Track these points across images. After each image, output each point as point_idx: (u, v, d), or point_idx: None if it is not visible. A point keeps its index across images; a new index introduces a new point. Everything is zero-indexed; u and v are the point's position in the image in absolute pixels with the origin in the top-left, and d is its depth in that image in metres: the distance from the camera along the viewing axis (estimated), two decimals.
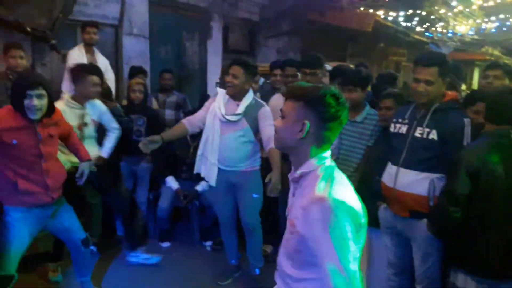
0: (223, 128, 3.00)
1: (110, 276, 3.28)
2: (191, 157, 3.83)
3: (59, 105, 2.90)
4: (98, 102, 3.27)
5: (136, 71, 4.28)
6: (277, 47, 7.21)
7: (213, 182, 3.09)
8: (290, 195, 1.43)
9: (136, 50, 4.99)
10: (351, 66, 4.77)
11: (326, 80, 3.67)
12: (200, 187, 3.75)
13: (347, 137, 3.00)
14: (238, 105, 2.99)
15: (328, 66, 3.99)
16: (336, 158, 3.06)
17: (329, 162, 1.34)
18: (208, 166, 3.10)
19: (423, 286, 2.33)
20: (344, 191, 1.26)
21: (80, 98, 3.07)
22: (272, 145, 2.93)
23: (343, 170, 3.00)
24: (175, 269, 3.48)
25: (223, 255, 3.51)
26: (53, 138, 2.42)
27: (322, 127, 1.29)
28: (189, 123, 3.12)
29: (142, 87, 3.69)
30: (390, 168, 2.39)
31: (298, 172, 1.33)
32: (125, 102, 3.99)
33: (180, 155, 3.87)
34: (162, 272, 3.42)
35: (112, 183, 3.60)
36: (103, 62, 4.06)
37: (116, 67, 4.88)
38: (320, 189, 1.23)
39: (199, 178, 3.75)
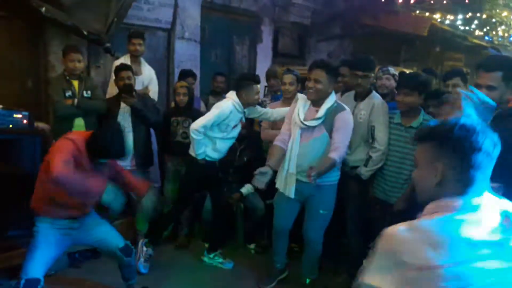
0: (303, 135, 2.87)
1: (157, 275, 3.31)
2: (238, 160, 3.83)
3: (227, 105, 3.25)
4: None
5: (185, 74, 4.34)
6: (328, 51, 7.07)
7: (291, 194, 2.93)
8: None
9: (187, 54, 5.07)
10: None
11: (388, 83, 3.50)
12: (244, 189, 3.72)
13: (400, 144, 2.87)
14: (317, 110, 2.84)
15: (392, 69, 3.85)
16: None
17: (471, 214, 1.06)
18: (284, 175, 2.95)
19: None
20: None
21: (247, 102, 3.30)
22: (332, 153, 2.74)
23: (394, 178, 2.92)
24: (219, 270, 3.48)
25: (267, 258, 3.48)
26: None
27: (462, 166, 1.06)
28: (282, 142, 2.99)
29: (186, 90, 3.73)
30: None
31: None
32: (173, 105, 4.05)
33: (227, 158, 3.86)
34: (206, 274, 3.42)
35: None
36: (148, 73, 4.10)
37: (168, 70, 4.99)
38: None
39: (245, 181, 3.73)
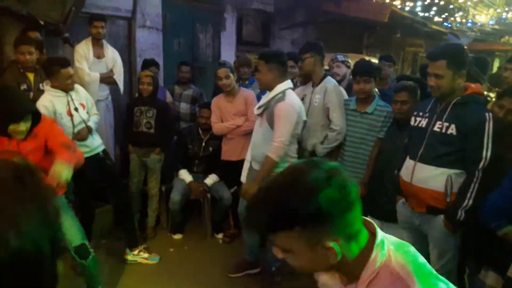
0: (257, 124, 2.95)
1: (119, 270, 3.28)
2: (204, 151, 3.83)
3: (45, 97, 2.97)
4: (80, 88, 3.27)
5: (148, 64, 4.25)
6: (292, 38, 7.11)
7: (243, 179, 3.02)
8: None
9: (149, 42, 4.96)
10: (374, 59, 4.67)
11: (339, 70, 3.57)
12: (209, 180, 3.73)
13: (356, 129, 2.98)
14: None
15: (341, 57, 3.90)
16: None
17: (387, 242, 0.94)
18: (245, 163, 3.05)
19: None
20: None
21: (60, 88, 3.03)
22: (270, 151, 2.69)
23: (352, 163, 3.03)
24: (186, 261, 3.48)
25: (235, 247, 3.52)
26: (33, 150, 2.32)
27: (345, 227, 0.88)
28: None
29: (150, 79, 3.66)
30: (408, 163, 2.34)
31: (365, 282, 0.91)
32: (137, 95, 3.97)
33: (192, 149, 3.85)
34: (173, 264, 3.42)
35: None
36: (112, 55, 4.01)
37: (129, 60, 4.86)
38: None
39: (210, 171, 3.73)
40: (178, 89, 4.47)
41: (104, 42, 4.00)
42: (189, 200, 3.88)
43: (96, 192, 3.65)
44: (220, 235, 3.89)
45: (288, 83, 2.79)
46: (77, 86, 3.21)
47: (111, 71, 3.96)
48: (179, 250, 3.66)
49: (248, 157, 3.02)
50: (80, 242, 2.45)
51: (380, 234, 0.93)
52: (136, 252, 3.41)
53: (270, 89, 2.79)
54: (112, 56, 4.02)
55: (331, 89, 3.07)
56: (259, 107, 2.85)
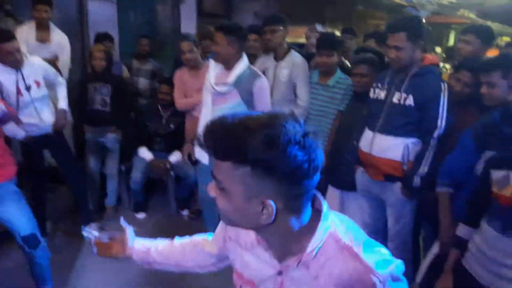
0: (215, 101, 2.75)
1: (81, 252, 3.19)
2: (164, 128, 3.72)
3: None
4: (36, 60, 3.01)
5: (101, 38, 4.03)
6: (254, 10, 6.95)
7: (206, 161, 2.86)
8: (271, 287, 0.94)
9: (102, 15, 4.69)
10: (337, 32, 4.64)
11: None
12: (173, 157, 3.64)
13: (318, 102, 2.99)
14: (229, 75, 2.71)
15: (320, 27, 3.84)
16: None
17: (332, 216, 0.90)
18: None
19: (395, 244, 2.42)
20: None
21: (17, 64, 2.80)
22: None
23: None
24: (151, 238, 3.42)
25: (201, 224, 3.46)
26: None
27: (297, 194, 0.81)
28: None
29: (103, 54, 3.47)
30: (367, 134, 2.39)
31: (312, 252, 0.85)
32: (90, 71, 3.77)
33: (152, 126, 3.73)
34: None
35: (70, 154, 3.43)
36: (58, 40, 3.73)
37: (81, 34, 4.60)
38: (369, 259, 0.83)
39: (172, 149, 3.64)
40: (137, 64, 4.30)
41: (52, 25, 3.71)
42: (152, 179, 3.80)
43: (50, 173, 3.49)
44: (185, 212, 3.85)
45: (246, 58, 2.72)
46: (32, 59, 2.96)
47: (57, 57, 3.68)
48: (143, 229, 3.56)
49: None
50: (29, 232, 2.32)
51: (326, 206, 0.89)
52: (89, 229, 3.33)
53: (228, 64, 2.67)
54: (59, 41, 3.74)
55: (299, 64, 3.02)
56: (225, 84, 2.68)
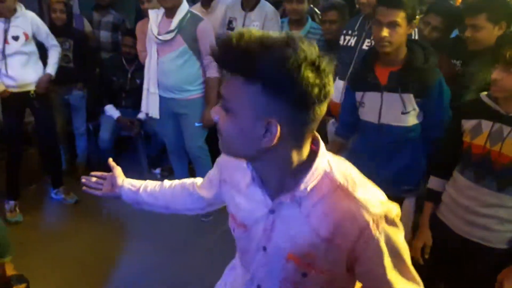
0: (159, 50, 2.74)
1: (55, 213, 3.16)
2: (130, 83, 3.59)
3: None
4: (31, 14, 3.00)
5: None
6: None
7: (156, 114, 2.89)
8: (262, 228, 0.93)
9: None
10: None
11: None
12: (142, 115, 3.54)
13: None
14: (172, 22, 2.68)
15: None
16: None
17: (328, 157, 0.89)
18: (147, 96, 2.86)
19: None
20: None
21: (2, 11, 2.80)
22: (211, 73, 2.75)
23: None
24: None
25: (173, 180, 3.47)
26: None
27: (303, 120, 0.78)
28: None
29: (63, 6, 3.28)
30: (338, 83, 2.36)
31: (307, 186, 0.84)
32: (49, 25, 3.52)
33: (118, 81, 3.60)
34: (109, 203, 3.30)
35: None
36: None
37: None
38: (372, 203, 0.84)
39: (139, 105, 3.55)
40: (97, 16, 4.04)
41: None
42: (121, 137, 3.72)
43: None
44: (157, 170, 3.82)
45: (186, 3, 2.73)
46: (26, 12, 2.95)
47: None
48: None
49: (152, 89, 2.84)
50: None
51: (323, 146, 0.88)
52: (55, 191, 3.33)
53: (176, 9, 2.65)
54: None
55: (271, 16, 2.93)
56: (168, 32, 2.66)
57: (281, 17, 3.06)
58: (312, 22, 2.88)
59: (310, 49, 0.74)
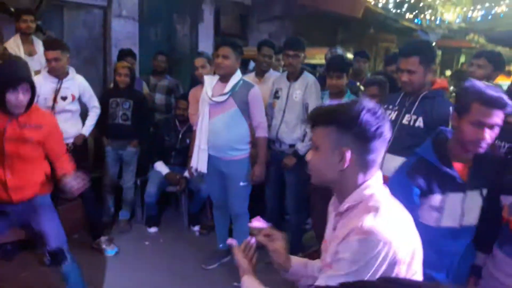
0: (212, 112, 2.96)
1: (95, 264, 3.23)
2: (180, 143, 3.84)
3: (36, 78, 3.04)
4: (80, 78, 3.37)
5: (125, 54, 4.20)
6: (269, 31, 7.14)
7: (204, 169, 3.05)
8: (329, 228, 1.24)
9: (125, 32, 4.90)
10: (350, 54, 4.78)
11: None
12: (187, 173, 3.73)
13: None
14: (225, 86, 2.93)
15: (340, 50, 3.97)
16: None
17: (380, 189, 1.14)
18: (198, 152, 3.06)
19: None
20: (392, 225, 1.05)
21: (56, 73, 3.17)
22: (260, 133, 2.98)
23: None
24: (162, 254, 3.48)
25: (211, 240, 3.52)
26: (27, 141, 2.22)
27: (365, 151, 1.08)
28: None
29: (128, 71, 3.64)
30: None
31: (345, 206, 1.13)
32: (112, 86, 3.92)
33: (169, 141, 3.86)
34: (149, 257, 3.42)
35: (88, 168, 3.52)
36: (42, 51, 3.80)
37: (104, 49, 4.80)
38: (367, 222, 1.03)
39: (186, 163, 3.76)
40: (153, 80, 4.44)
41: (34, 37, 3.83)
42: (165, 193, 3.89)
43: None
44: (196, 227, 3.89)
45: (239, 71, 3.00)
46: (76, 75, 3.33)
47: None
48: (155, 243, 3.65)
49: (203, 146, 3.01)
50: (54, 246, 2.32)
51: (379, 176, 1.14)
52: (97, 242, 3.40)
53: (230, 76, 2.90)
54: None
55: (311, 85, 3.16)
56: (222, 95, 2.90)
57: (323, 89, 3.28)
58: (350, 95, 3.08)
59: (370, 104, 1.08)
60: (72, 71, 3.33)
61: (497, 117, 1.57)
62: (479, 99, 1.56)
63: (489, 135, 1.58)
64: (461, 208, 1.65)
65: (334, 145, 1.09)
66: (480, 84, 1.60)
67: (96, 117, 3.51)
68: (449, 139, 1.72)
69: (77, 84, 3.33)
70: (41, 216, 2.33)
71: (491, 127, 1.58)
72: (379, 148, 1.09)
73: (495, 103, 1.55)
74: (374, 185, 1.12)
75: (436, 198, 1.65)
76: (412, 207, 1.44)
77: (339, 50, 3.81)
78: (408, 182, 1.69)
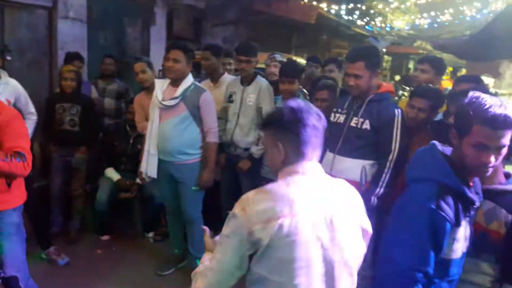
0: (162, 116, 2.91)
1: (46, 274, 3.09)
2: (132, 148, 3.74)
3: None
4: (13, 82, 3.15)
5: (72, 57, 4.05)
6: (223, 35, 7.15)
7: (154, 174, 2.99)
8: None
9: (72, 34, 4.70)
10: (303, 60, 4.85)
11: (277, 70, 3.67)
12: (139, 178, 3.65)
13: None
14: (175, 90, 2.89)
15: (279, 56, 4.02)
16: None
17: (307, 177, 1.33)
18: (147, 157, 2.99)
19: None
20: None
21: None
22: (211, 138, 2.95)
23: None
24: (115, 262, 3.38)
25: (166, 246, 3.47)
26: None
27: (297, 142, 1.28)
28: None
29: (74, 75, 3.51)
30: (328, 155, 2.51)
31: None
32: (58, 90, 3.75)
33: (119, 146, 3.75)
34: (101, 266, 3.31)
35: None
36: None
37: (50, 52, 4.58)
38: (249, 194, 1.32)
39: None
40: (102, 84, 4.31)
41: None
42: (118, 200, 3.77)
43: None
44: (151, 234, 3.82)
45: (191, 75, 2.98)
46: (9, 79, 3.08)
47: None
48: (108, 251, 3.55)
49: (152, 151, 2.95)
50: (8, 274, 2.15)
51: (304, 167, 1.29)
52: (47, 253, 3.27)
53: (181, 80, 2.87)
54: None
55: (264, 89, 3.19)
56: (172, 98, 2.85)
57: (276, 94, 3.30)
58: (304, 99, 3.13)
59: (294, 102, 1.32)
60: (4, 74, 3.10)
61: (504, 138, 1.31)
62: (481, 120, 1.30)
63: (495, 158, 1.33)
64: (469, 230, 1.47)
65: (273, 142, 1.31)
66: (482, 100, 1.32)
67: (33, 125, 3.28)
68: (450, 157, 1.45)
69: (11, 88, 3.11)
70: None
71: (497, 148, 1.32)
72: (311, 137, 1.27)
73: (501, 124, 1.28)
74: (301, 170, 1.28)
75: (461, 229, 1.40)
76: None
77: (279, 57, 3.88)
78: (441, 220, 1.32)
